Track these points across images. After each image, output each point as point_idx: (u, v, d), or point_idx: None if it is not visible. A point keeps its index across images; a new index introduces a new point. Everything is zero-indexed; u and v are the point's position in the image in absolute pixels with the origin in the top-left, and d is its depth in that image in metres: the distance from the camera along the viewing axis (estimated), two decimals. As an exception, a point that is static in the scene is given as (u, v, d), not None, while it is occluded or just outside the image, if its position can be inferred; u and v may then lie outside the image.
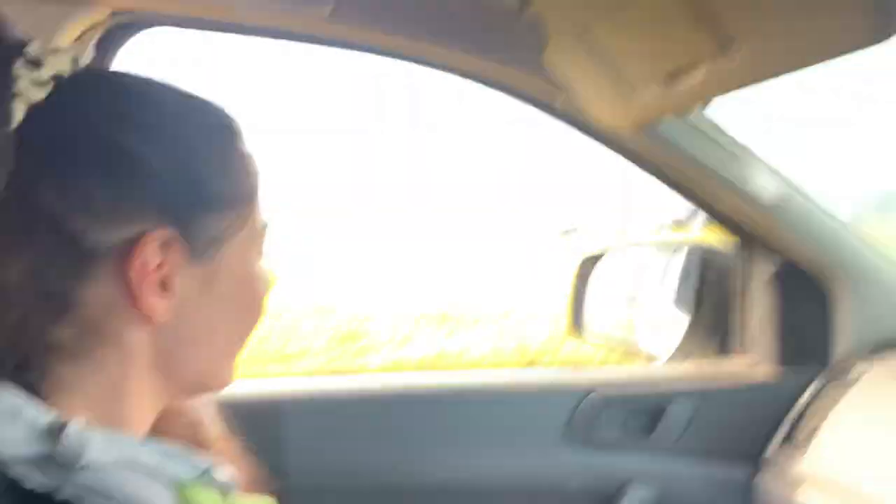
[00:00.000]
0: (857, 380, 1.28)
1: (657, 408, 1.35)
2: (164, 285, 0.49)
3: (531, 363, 5.67)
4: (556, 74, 1.03)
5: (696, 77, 0.80)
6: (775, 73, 0.74)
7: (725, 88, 0.82)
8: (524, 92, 1.18)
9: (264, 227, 0.58)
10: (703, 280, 1.54)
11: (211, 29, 1.13)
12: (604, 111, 1.02)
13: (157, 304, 0.49)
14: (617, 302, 1.91)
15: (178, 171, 0.50)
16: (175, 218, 0.49)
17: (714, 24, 0.72)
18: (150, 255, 0.48)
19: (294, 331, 6.71)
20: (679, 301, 1.68)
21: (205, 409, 0.70)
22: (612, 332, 1.86)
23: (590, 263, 1.90)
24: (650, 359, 1.63)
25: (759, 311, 1.41)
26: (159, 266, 0.49)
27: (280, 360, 5.68)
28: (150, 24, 1.16)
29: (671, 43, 0.79)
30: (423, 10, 1.04)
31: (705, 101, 0.88)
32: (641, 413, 1.36)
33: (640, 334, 1.86)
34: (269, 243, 0.59)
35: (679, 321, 1.59)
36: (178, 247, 0.49)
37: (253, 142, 0.57)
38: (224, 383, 0.58)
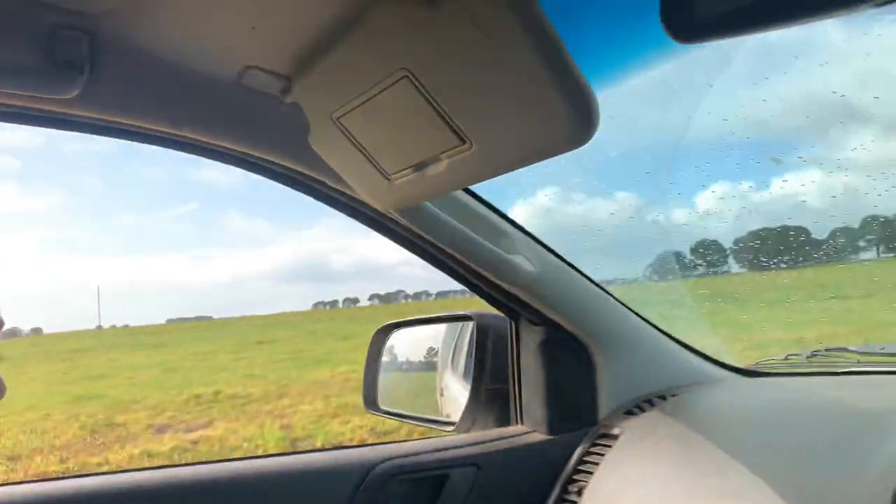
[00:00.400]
0: (617, 437, 1.38)
1: (439, 479, 1.37)
2: None
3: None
4: (323, 158, 1.05)
5: (440, 168, 0.86)
6: (506, 168, 0.80)
7: (468, 178, 0.88)
8: (293, 176, 1.19)
9: None
10: (484, 350, 1.61)
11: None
12: (368, 194, 1.05)
13: None
14: (407, 374, 1.94)
15: None
16: None
17: (450, 124, 0.78)
18: None
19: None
20: (464, 371, 1.74)
21: None
22: (402, 404, 1.88)
23: (383, 336, 1.93)
24: (438, 430, 1.66)
25: (530, 378, 1.49)
26: None
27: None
28: None
29: (414, 137, 0.83)
30: (184, 95, 1.02)
31: (454, 186, 0.93)
32: (425, 484, 1.37)
33: (432, 409, 1.90)
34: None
35: (464, 391, 1.64)
36: None
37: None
38: None
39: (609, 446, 1.38)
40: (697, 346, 1.62)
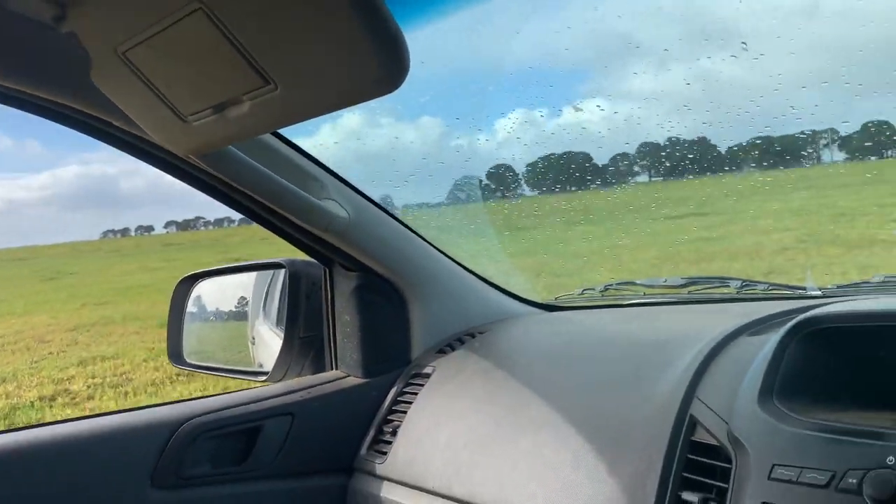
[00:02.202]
0: (429, 376, 1.43)
1: (252, 432, 1.34)
2: None
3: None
4: (108, 96, 0.94)
5: (243, 109, 0.80)
6: (314, 112, 0.77)
7: (273, 122, 0.84)
8: (74, 116, 1.06)
9: None
10: (297, 298, 1.57)
11: None
12: (162, 137, 0.96)
13: None
14: (216, 325, 1.86)
15: None
16: None
17: (252, 63, 0.73)
18: None
19: None
20: (276, 320, 1.70)
21: None
22: (211, 357, 1.80)
23: (187, 286, 1.82)
24: (250, 382, 1.62)
25: (345, 324, 1.49)
26: None
27: None
28: None
29: (212, 76, 0.77)
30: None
31: (259, 131, 0.88)
32: (237, 438, 1.34)
33: (244, 359, 1.84)
34: None
35: (277, 340, 1.60)
36: None
37: None
38: None
39: (421, 385, 1.42)
40: (503, 284, 1.70)
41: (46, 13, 0.86)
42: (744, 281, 1.50)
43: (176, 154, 1.11)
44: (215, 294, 1.84)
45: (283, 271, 1.63)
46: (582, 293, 1.76)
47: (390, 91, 0.69)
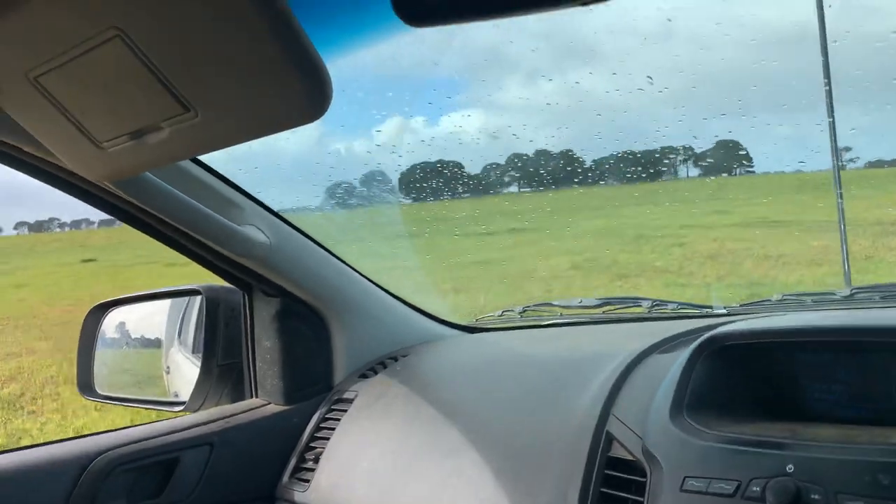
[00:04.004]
0: (352, 401, 1.42)
1: (170, 463, 1.30)
2: None
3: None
4: (18, 122, 0.91)
5: (162, 136, 0.79)
6: (235, 140, 0.77)
7: (192, 149, 0.83)
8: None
9: None
10: (215, 324, 1.54)
11: None
12: (76, 163, 0.93)
13: None
14: (131, 355, 1.80)
15: None
16: None
17: (171, 90, 0.72)
18: None
19: None
20: (193, 347, 1.66)
21: None
22: (124, 387, 1.74)
23: (98, 315, 1.75)
24: (166, 412, 1.57)
25: (265, 350, 1.47)
26: None
27: None
28: None
29: (130, 102, 0.76)
30: None
31: (177, 157, 0.87)
32: (154, 471, 1.29)
33: (159, 389, 1.78)
34: None
35: (194, 368, 1.56)
36: None
37: None
38: None
39: (344, 410, 1.42)
40: (424, 307, 1.72)
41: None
42: (654, 301, 1.56)
43: (88, 180, 1.08)
44: (128, 322, 1.78)
45: (199, 298, 1.59)
46: (502, 314, 1.79)
47: (313, 120, 0.70)
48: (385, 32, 0.87)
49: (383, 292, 1.61)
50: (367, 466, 1.27)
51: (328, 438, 1.37)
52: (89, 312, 1.73)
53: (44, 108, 0.84)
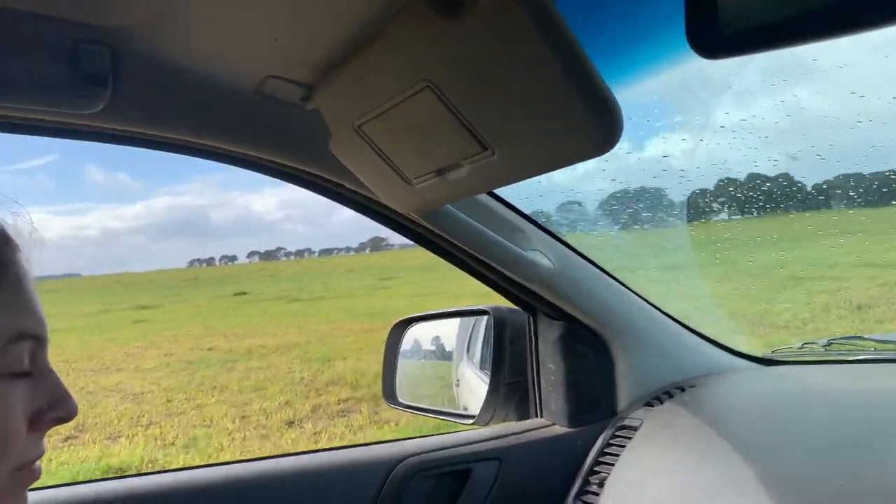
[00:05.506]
0: (637, 429, 1.40)
1: (463, 473, 1.39)
2: None
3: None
4: (344, 163, 1.06)
5: (462, 173, 0.87)
6: (527, 174, 0.81)
7: (488, 184, 0.89)
8: (313, 180, 1.20)
9: None
10: (502, 344, 1.62)
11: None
12: (389, 197, 1.06)
13: None
14: (427, 368, 1.96)
15: None
16: None
17: (472, 132, 0.79)
18: None
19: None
20: (482, 365, 1.76)
21: None
22: (421, 398, 1.90)
23: (400, 330, 1.94)
24: (458, 424, 1.68)
25: (549, 371, 1.50)
26: None
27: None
28: None
29: (436, 144, 0.84)
30: (204, 104, 1.03)
31: (475, 192, 0.94)
32: (449, 479, 1.39)
33: (449, 400, 1.92)
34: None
35: (480, 383, 1.66)
36: None
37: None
38: None
39: (629, 438, 1.39)
40: (714, 336, 1.63)
41: (296, 95, 1.00)
42: None
43: (399, 212, 1.21)
44: (424, 338, 1.95)
45: (486, 317, 1.69)
46: (801, 347, 1.63)
47: (603, 153, 0.71)
48: (672, 63, 0.86)
49: (668, 319, 1.56)
50: (654, 496, 1.23)
51: (613, 464, 1.36)
52: (393, 328, 1.92)
53: (364, 151, 0.97)
